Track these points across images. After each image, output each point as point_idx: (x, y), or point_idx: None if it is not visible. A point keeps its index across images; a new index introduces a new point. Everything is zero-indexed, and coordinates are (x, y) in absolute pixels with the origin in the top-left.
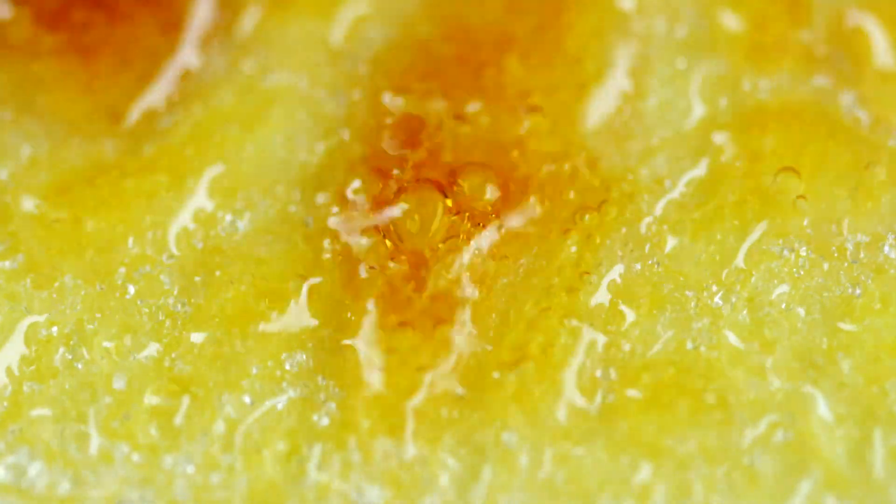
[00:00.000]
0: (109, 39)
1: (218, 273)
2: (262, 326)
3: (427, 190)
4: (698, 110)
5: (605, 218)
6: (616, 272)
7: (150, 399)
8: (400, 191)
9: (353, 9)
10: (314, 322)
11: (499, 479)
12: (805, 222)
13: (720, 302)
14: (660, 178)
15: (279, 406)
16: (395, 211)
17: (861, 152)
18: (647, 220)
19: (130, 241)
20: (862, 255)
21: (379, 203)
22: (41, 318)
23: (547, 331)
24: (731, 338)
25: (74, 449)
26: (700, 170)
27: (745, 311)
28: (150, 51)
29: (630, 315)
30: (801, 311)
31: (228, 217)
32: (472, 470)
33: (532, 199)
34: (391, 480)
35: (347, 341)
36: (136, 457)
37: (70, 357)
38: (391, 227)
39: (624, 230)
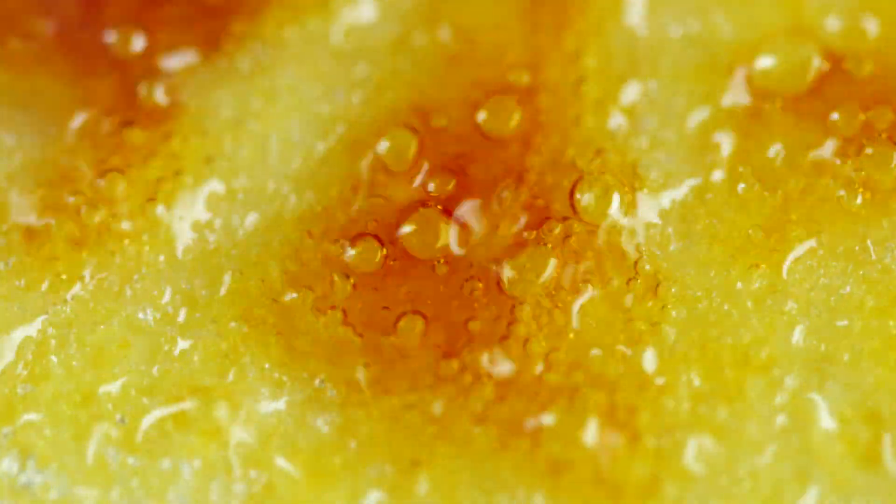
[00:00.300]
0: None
1: (215, 274)
2: (260, 329)
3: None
4: (702, 107)
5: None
6: (619, 268)
7: (146, 402)
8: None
9: (353, 8)
10: (311, 325)
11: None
12: (812, 221)
13: (725, 304)
14: (664, 174)
15: (279, 410)
16: (405, 229)
17: None
18: (651, 218)
19: (126, 242)
20: (872, 256)
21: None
22: (35, 321)
23: (549, 336)
24: (739, 340)
25: (68, 453)
26: (704, 167)
27: (752, 314)
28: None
29: (635, 316)
30: (809, 312)
31: (222, 218)
32: (463, 472)
33: (529, 194)
34: (389, 485)
35: (346, 343)
36: (131, 460)
37: (64, 360)
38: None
39: (628, 227)
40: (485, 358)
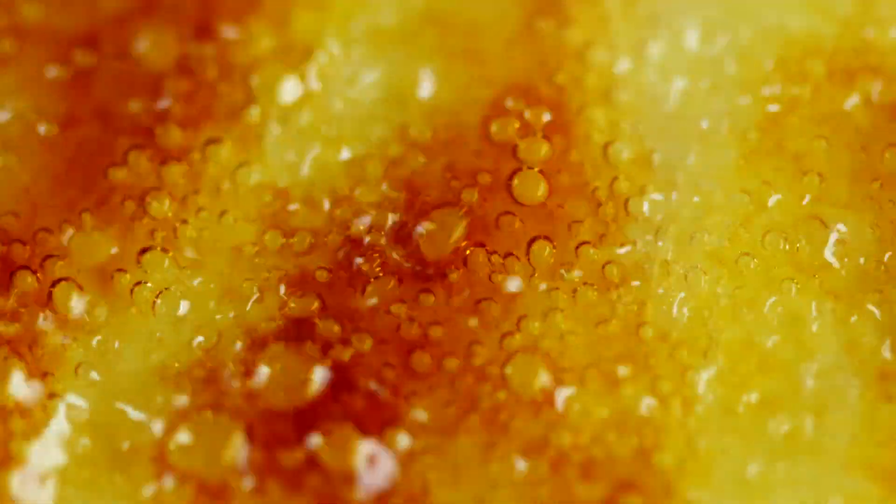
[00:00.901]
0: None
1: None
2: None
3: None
4: (710, 100)
5: (619, 206)
6: (629, 263)
7: (147, 425)
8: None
9: (350, 7)
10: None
11: None
12: (824, 222)
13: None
14: (669, 169)
15: None
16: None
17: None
18: (660, 211)
19: (114, 249)
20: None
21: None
22: None
23: (552, 327)
24: (758, 336)
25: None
26: (715, 158)
27: (766, 312)
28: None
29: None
30: (830, 308)
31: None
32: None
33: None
34: None
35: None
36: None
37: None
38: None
39: (633, 223)
40: None
